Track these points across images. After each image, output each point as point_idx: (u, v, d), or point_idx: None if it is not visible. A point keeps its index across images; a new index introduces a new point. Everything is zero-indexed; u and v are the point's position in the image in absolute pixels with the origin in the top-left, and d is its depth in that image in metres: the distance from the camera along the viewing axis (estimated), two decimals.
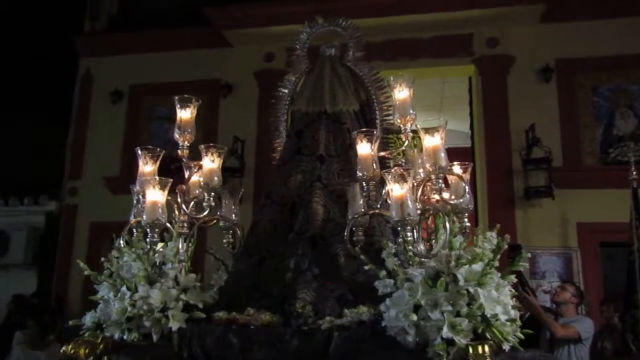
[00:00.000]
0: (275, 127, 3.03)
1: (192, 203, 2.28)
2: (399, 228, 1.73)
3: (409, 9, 6.84)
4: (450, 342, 1.57)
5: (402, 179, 1.73)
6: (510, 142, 6.73)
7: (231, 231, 2.42)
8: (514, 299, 1.78)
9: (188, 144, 2.29)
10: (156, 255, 2.05)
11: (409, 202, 1.73)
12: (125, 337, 1.93)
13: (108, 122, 7.98)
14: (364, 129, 2.13)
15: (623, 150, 5.23)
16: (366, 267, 1.89)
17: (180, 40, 7.77)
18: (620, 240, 5.10)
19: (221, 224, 2.40)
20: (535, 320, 4.60)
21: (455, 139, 9.32)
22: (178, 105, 2.28)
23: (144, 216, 1.98)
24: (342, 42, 2.99)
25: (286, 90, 3.04)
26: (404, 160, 2.18)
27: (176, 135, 2.27)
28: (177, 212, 2.19)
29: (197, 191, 2.29)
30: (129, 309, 1.91)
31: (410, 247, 1.73)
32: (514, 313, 1.68)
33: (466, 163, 2.04)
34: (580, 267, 6.19)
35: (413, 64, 7.16)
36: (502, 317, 1.61)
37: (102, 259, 2.11)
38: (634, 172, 5.02)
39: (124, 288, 1.96)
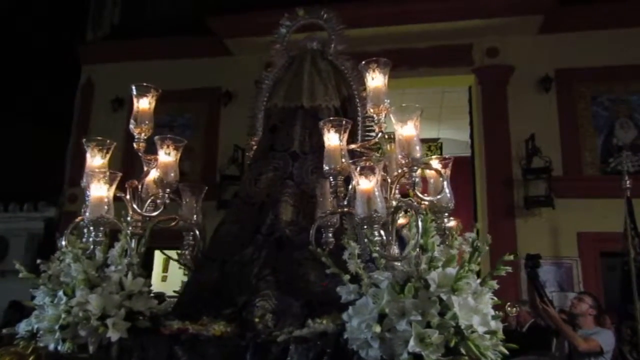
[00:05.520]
0: (252, 124, 2.85)
1: (149, 201, 2.08)
2: (365, 227, 1.51)
3: (408, 19, 6.74)
4: (418, 357, 1.34)
5: (369, 171, 1.51)
6: (510, 151, 6.64)
7: (191, 233, 2.20)
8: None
9: (145, 137, 2.10)
10: (100, 256, 1.83)
11: (377, 198, 1.51)
12: (59, 347, 1.70)
13: (108, 130, 7.79)
14: (331, 118, 1.91)
15: (620, 160, 5.12)
16: (327, 271, 1.66)
17: (181, 49, 7.66)
18: (620, 250, 4.91)
19: (181, 224, 2.19)
20: (537, 329, 4.41)
21: (455, 149, 9.20)
22: (135, 93, 2.09)
23: (87, 212, 1.78)
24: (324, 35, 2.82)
25: (264, 86, 2.86)
26: (377, 154, 1.96)
27: (131, 127, 2.08)
28: (129, 210, 1.99)
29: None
30: (64, 315, 1.68)
31: (377, 248, 1.51)
32: (495, 324, 1.44)
33: (446, 157, 1.82)
34: (580, 277, 6.08)
35: (412, 73, 7.05)
36: (480, 329, 1.38)
37: (38, 260, 1.90)
38: (628, 182, 4.86)
39: (60, 292, 1.75)
